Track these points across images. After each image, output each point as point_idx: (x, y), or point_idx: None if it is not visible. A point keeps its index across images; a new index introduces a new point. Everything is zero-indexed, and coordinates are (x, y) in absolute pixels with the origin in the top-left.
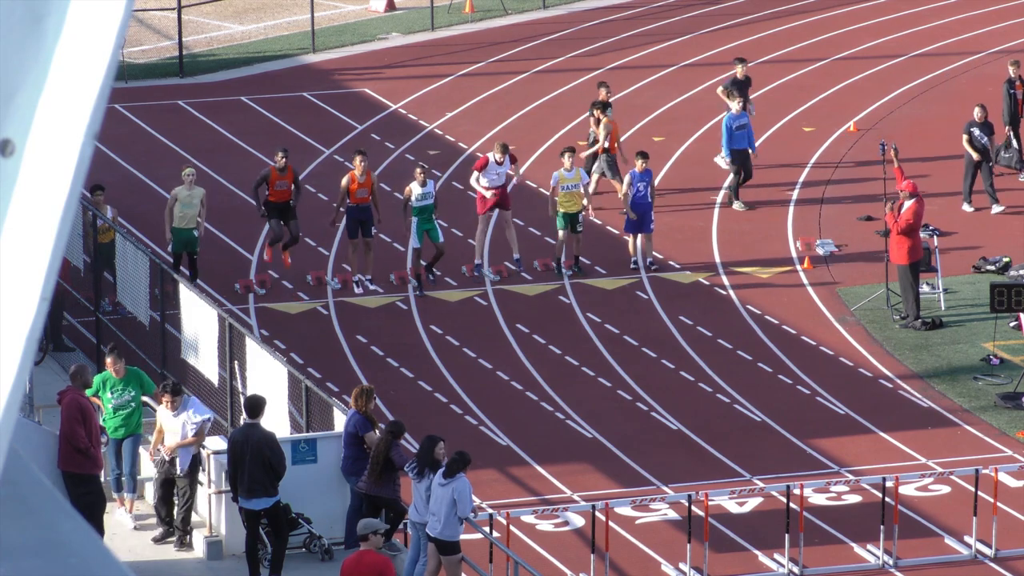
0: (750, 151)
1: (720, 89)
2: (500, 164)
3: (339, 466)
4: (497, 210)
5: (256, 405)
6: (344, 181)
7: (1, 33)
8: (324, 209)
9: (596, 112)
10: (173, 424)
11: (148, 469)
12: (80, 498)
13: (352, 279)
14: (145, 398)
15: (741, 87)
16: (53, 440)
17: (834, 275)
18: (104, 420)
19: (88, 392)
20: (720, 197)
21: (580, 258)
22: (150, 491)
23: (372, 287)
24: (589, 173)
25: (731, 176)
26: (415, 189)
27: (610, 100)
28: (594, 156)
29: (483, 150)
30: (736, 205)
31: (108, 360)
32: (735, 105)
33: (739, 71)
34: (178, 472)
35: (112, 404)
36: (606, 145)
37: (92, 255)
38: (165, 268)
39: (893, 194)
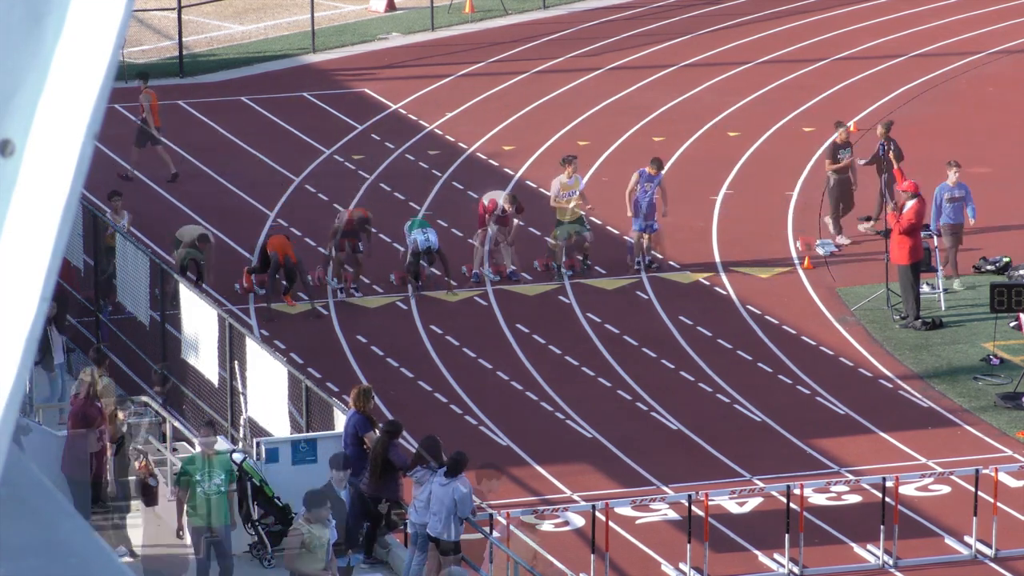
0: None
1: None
2: (507, 212)
3: None
4: (496, 226)
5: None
6: (337, 221)
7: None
8: (324, 208)
9: (143, 87)
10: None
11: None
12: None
13: (338, 287)
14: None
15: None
16: (53, 440)
17: (834, 275)
18: (187, 507)
19: (179, 476)
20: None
21: (587, 257)
22: None
23: (357, 294)
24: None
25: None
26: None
27: (850, 141)
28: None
29: (483, 150)
30: (956, 285)
31: (201, 431)
32: (952, 175)
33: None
34: None
35: (200, 489)
36: (148, 117)
37: (95, 256)
38: (165, 268)
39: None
